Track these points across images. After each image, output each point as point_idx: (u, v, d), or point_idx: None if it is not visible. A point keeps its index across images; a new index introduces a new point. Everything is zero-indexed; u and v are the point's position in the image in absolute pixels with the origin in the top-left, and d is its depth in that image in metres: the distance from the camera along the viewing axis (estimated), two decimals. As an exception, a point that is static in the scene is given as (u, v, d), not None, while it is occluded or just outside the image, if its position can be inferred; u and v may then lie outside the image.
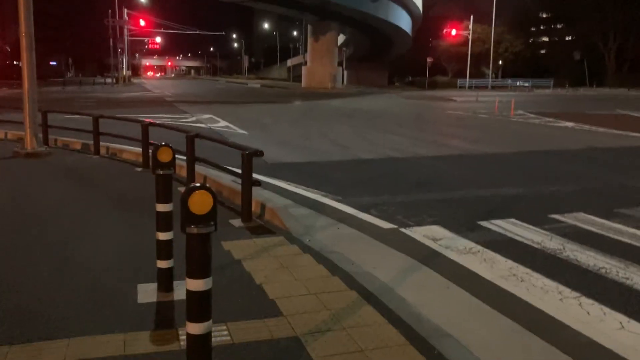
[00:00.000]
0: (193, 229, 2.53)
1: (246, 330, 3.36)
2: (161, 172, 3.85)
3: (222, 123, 17.97)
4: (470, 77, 54.34)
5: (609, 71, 63.44)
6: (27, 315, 3.57)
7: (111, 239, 5.31)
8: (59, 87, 47.29)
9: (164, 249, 3.90)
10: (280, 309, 3.66)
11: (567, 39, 71.51)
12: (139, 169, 9.09)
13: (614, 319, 3.85)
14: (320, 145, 13.10)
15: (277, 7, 57.71)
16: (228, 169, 6.87)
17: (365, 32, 59.56)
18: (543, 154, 12.11)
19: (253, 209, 6.07)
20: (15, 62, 61.35)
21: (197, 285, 2.57)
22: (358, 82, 67.32)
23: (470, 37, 51.10)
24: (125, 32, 60.45)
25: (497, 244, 5.47)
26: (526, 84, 60.71)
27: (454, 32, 52.95)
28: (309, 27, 58.85)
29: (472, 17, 52.04)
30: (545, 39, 78.12)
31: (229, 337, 3.27)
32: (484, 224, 6.18)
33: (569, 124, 19.20)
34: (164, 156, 3.85)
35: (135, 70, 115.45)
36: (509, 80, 62.65)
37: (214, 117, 20.10)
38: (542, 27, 79.20)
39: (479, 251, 5.25)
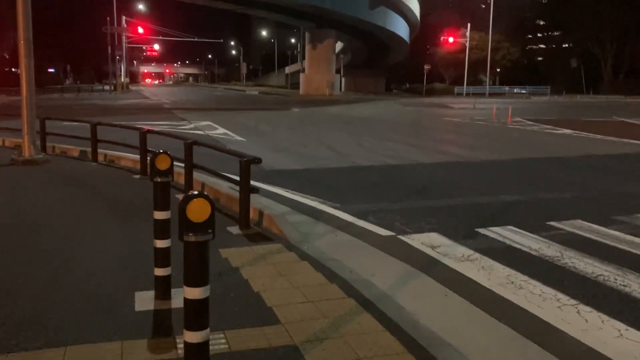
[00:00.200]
0: (191, 237, 2.54)
1: (244, 338, 3.35)
2: (159, 180, 3.85)
3: (220, 130, 17.98)
4: (467, 84, 54.63)
5: (606, 78, 63.75)
6: (24, 323, 3.55)
7: (109, 246, 5.29)
8: (57, 94, 47.26)
9: (162, 257, 3.89)
10: (278, 317, 3.65)
11: (564, 46, 71.84)
12: (137, 176, 9.08)
13: (612, 326, 3.84)
14: (318, 152, 13.11)
15: (275, 14, 57.89)
16: (226, 176, 6.87)
17: (362, 39, 59.81)
18: (541, 161, 12.13)
19: (251, 216, 6.07)
20: (13, 69, 61.33)
21: (195, 293, 2.57)
22: (356, 89, 67.51)
23: (467, 45, 51.39)
24: (124, 39, 60.54)
25: (495, 251, 5.47)
26: (523, 91, 61.02)
27: (451, 39, 53.33)
28: (307, 35, 59.00)
29: (469, 25, 52.39)
30: (542, 46, 78.49)
31: (226, 346, 3.26)
32: (482, 231, 6.18)
33: (567, 131, 19.26)
34: (162, 164, 3.85)
35: (134, 77, 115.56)
36: (506, 88, 62.95)
37: (212, 124, 20.11)
38: (539, 35, 79.59)
39: (477, 258, 5.24)
